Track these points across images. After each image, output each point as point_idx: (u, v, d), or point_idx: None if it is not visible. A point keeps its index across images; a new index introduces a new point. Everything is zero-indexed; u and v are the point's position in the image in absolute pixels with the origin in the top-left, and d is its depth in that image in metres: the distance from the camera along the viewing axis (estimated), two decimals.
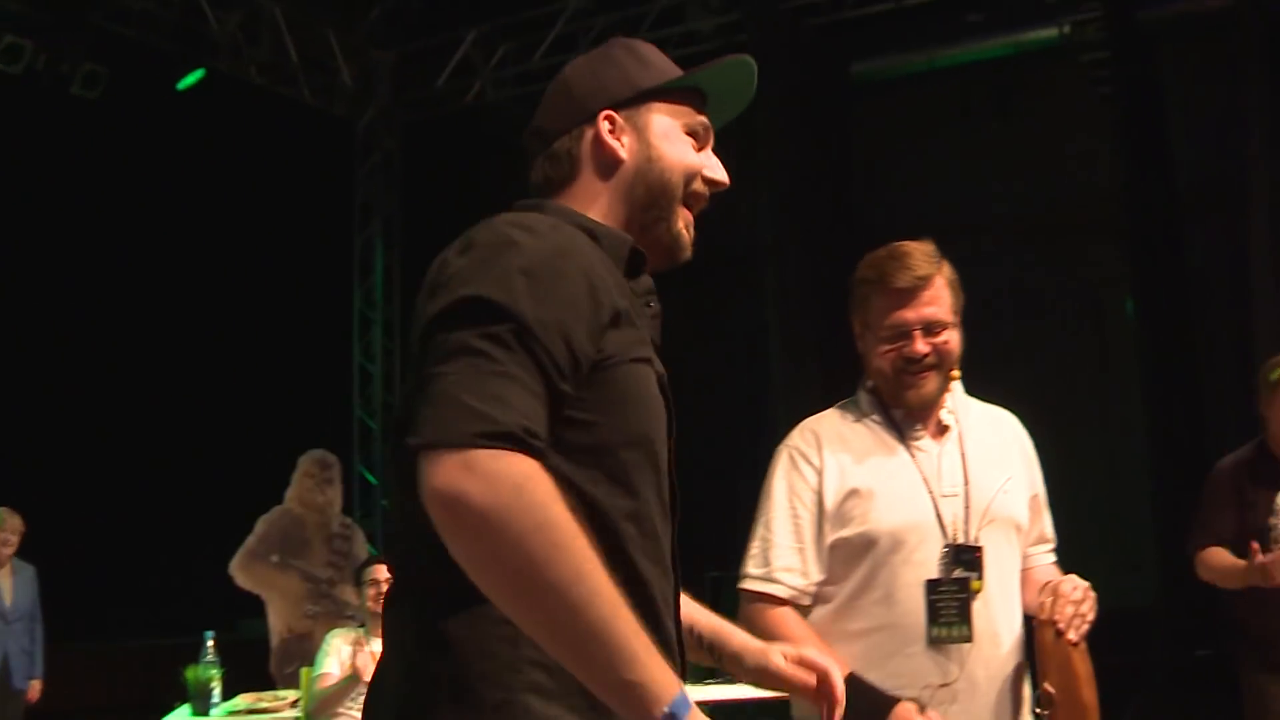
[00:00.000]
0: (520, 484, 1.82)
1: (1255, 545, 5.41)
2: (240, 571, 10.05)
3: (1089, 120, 12.68)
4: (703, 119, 2.42)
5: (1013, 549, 3.39)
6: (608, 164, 2.36)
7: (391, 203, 13.74)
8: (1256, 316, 10.39)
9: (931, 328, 3.32)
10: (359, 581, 7.57)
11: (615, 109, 2.37)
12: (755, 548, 3.44)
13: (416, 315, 2.07)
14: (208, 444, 12.24)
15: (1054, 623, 3.10)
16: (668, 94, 2.40)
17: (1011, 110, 13.59)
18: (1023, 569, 3.47)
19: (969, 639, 3.21)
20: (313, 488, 10.84)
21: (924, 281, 3.32)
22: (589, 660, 1.82)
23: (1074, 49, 12.40)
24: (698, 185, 2.39)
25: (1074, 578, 3.22)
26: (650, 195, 2.36)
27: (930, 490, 3.31)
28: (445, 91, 13.52)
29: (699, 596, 2.55)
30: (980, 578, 3.25)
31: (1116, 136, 12.02)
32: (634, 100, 2.38)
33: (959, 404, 3.48)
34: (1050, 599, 3.14)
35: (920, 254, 3.34)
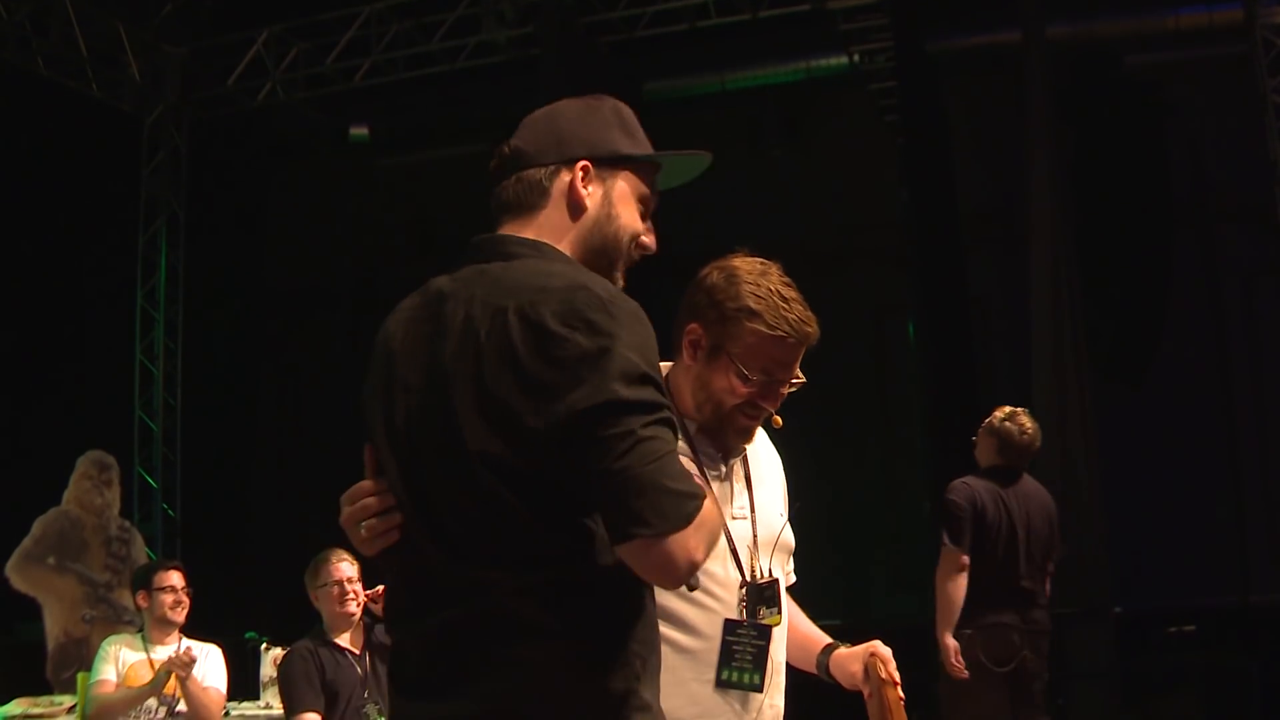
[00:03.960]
0: (719, 521, 2.47)
1: None
2: (16, 573, 9.88)
3: (876, 147, 12.94)
4: (649, 191, 2.76)
5: (783, 574, 3.31)
6: (574, 208, 2.67)
7: (177, 201, 13.54)
8: (1035, 344, 10.72)
9: (788, 382, 3.20)
10: (146, 585, 7.36)
11: (592, 162, 2.69)
12: None
13: (532, 382, 2.35)
14: None
15: (895, 683, 3.13)
16: (637, 164, 2.73)
17: (800, 135, 13.84)
18: None
19: (760, 689, 3.13)
20: (91, 489, 10.69)
21: (808, 341, 3.18)
22: None
23: (863, 77, 12.69)
24: (636, 248, 2.73)
25: (879, 643, 3.23)
26: (604, 246, 2.68)
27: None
28: (235, 90, 13.38)
29: None
30: (779, 613, 3.20)
31: (902, 164, 12.28)
32: (610, 161, 2.71)
33: None
34: (880, 662, 3.18)
35: (802, 306, 3.18)
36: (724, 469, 3.23)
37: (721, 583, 3.12)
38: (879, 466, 13.44)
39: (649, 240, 2.74)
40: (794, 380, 3.20)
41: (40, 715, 7.90)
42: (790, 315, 3.14)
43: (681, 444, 3.07)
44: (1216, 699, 10.22)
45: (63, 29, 12.05)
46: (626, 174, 2.72)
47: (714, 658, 3.09)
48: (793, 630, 3.40)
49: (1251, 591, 12.13)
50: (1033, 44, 11.12)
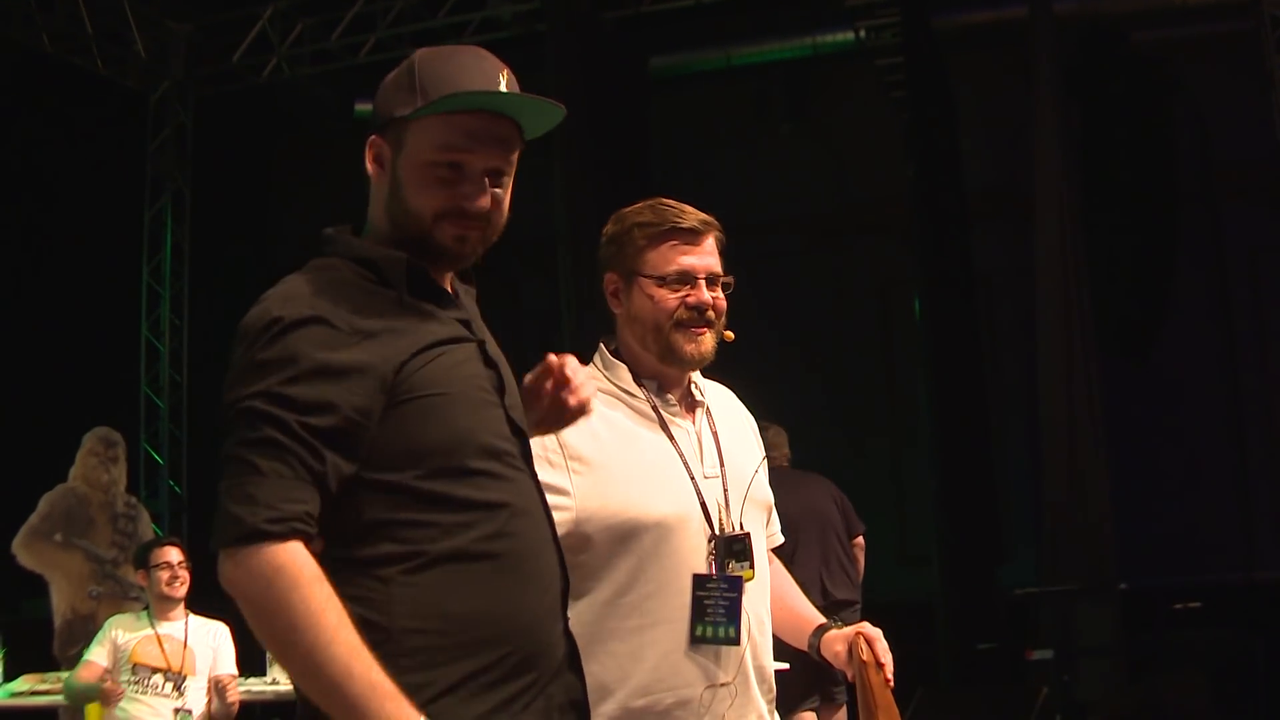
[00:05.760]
0: (270, 577, 2.16)
1: None
2: (23, 550, 9.88)
3: (882, 123, 12.90)
4: (452, 141, 2.44)
5: (763, 531, 3.27)
6: (375, 189, 2.55)
7: (182, 177, 13.52)
8: (1041, 320, 10.74)
9: (712, 279, 3.17)
10: (144, 563, 7.36)
11: (379, 134, 2.52)
12: None
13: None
14: None
15: (880, 665, 3.10)
16: (422, 121, 2.46)
17: (807, 110, 13.84)
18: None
19: (736, 641, 3.05)
20: (97, 466, 10.69)
21: (708, 227, 3.19)
22: (331, 708, 2.14)
23: (870, 53, 12.67)
24: (449, 223, 2.48)
25: (868, 624, 3.20)
26: (405, 225, 2.50)
27: (690, 473, 3.12)
28: (241, 66, 13.35)
29: None
30: (751, 566, 3.12)
31: (908, 140, 12.26)
32: (390, 127, 2.50)
33: (697, 378, 3.32)
34: (865, 643, 3.11)
35: (693, 209, 3.21)
36: (691, 427, 3.21)
37: (694, 548, 3.08)
38: (886, 441, 13.43)
39: (458, 205, 2.46)
40: (719, 277, 3.19)
41: (47, 692, 7.94)
42: (672, 209, 3.20)
43: (644, 404, 3.19)
44: (1222, 675, 10.21)
45: (68, 5, 12.03)
46: (414, 136, 2.46)
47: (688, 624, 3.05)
48: (785, 607, 3.38)
49: (1257, 568, 12.15)
50: (1039, 20, 11.10)
